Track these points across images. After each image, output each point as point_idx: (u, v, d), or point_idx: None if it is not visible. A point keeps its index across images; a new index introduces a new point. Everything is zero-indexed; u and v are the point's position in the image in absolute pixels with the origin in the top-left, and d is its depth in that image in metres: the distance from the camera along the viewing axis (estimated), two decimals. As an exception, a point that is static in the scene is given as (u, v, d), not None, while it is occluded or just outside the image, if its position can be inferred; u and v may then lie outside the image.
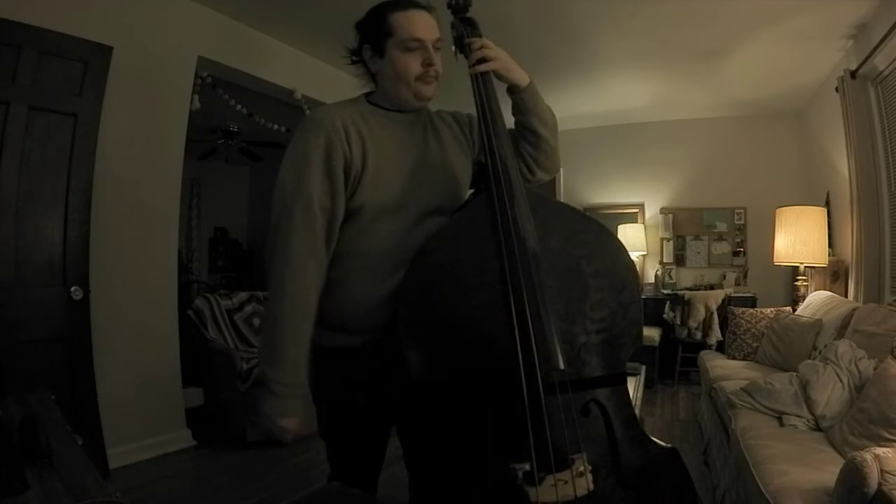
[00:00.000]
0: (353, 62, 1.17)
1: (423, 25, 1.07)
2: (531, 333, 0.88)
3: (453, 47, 1.21)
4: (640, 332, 1.04)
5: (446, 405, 0.97)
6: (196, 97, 3.10)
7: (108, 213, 2.57)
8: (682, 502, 0.99)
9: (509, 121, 1.21)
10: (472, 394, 0.92)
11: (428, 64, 1.08)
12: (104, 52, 2.40)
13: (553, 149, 1.25)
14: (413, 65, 1.08)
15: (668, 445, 1.02)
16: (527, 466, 0.83)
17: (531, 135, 1.21)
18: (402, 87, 1.10)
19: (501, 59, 1.14)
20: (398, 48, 1.07)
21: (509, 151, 1.08)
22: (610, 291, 1.00)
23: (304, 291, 1.02)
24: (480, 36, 1.19)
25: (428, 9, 1.11)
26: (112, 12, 2.58)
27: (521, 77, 1.17)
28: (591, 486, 0.87)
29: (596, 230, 1.07)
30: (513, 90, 1.19)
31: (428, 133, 1.18)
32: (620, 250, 1.07)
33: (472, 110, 1.19)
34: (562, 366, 0.89)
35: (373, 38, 1.10)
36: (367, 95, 1.17)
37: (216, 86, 3.35)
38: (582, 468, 0.87)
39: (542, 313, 0.89)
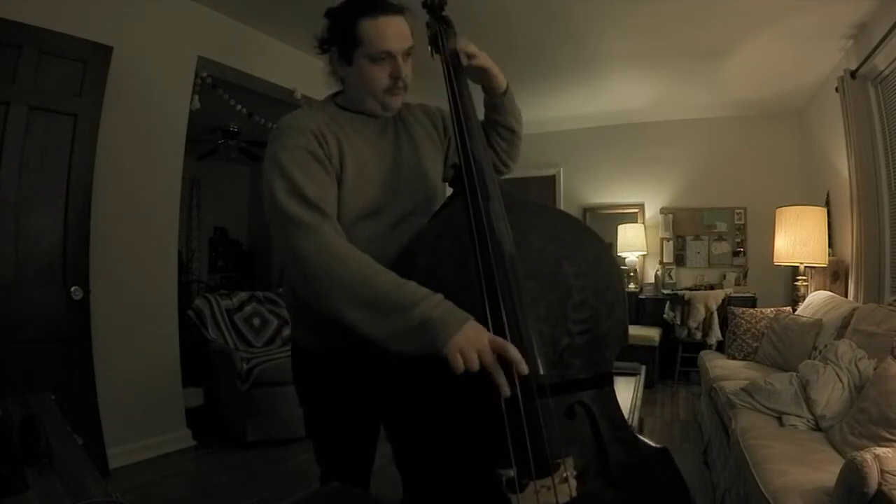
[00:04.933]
0: (324, 51, 1.11)
1: (394, 36, 1.02)
2: (507, 339, 0.86)
3: (429, 47, 1.19)
4: (626, 331, 1.02)
5: (429, 410, 0.96)
6: (196, 97, 3.10)
7: (108, 213, 2.57)
8: (675, 502, 0.98)
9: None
10: (454, 400, 0.91)
11: (396, 77, 1.05)
12: (104, 52, 2.40)
13: (521, 141, 1.30)
14: (381, 77, 1.04)
15: (659, 445, 1.01)
16: (511, 472, 0.83)
17: (508, 132, 1.25)
18: (368, 98, 1.08)
19: (491, 62, 1.15)
20: (366, 59, 1.03)
21: (483, 153, 1.06)
22: (593, 291, 0.98)
23: (343, 268, 0.91)
24: (455, 34, 1.19)
25: (401, 11, 1.05)
26: (112, 12, 2.58)
27: (503, 80, 1.19)
28: (574, 493, 0.85)
29: (578, 230, 1.05)
30: (495, 93, 1.20)
31: (400, 133, 1.17)
32: (603, 249, 1.05)
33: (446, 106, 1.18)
34: (541, 370, 0.87)
35: (340, 43, 1.05)
36: (334, 97, 1.15)
37: (216, 86, 3.35)
38: (566, 473, 0.86)
39: (518, 318, 0.88)
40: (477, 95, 1.17)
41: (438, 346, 0.83)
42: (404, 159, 1.14)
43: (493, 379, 0.83)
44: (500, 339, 0.85)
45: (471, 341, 0.84)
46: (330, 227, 0.97)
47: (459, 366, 0.82)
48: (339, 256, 0.92)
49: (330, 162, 1.03)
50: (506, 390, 0.83)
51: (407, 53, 1.06)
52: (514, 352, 0.84)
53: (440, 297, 0.88)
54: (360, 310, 0.88)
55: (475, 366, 0.83)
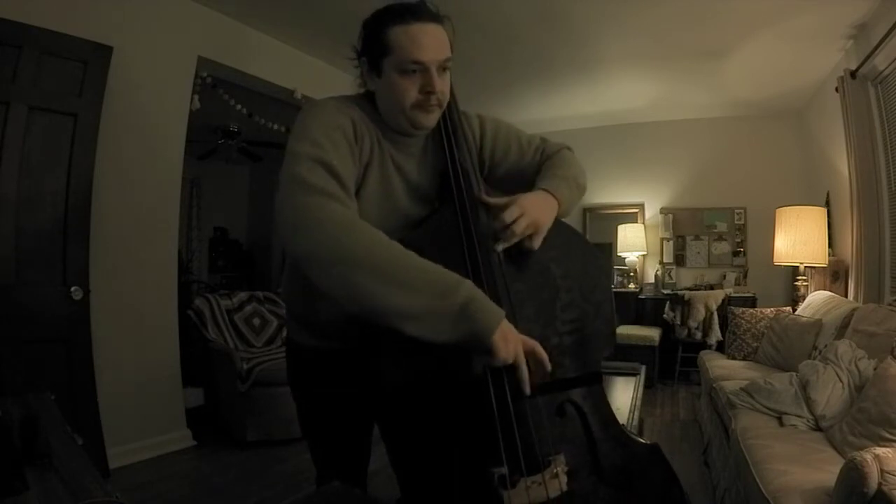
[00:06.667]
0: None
1: (427, 45, 0.92)
2: None
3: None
4: (614, 330, 1.05)
5: (422, 412, 0.97)
6: (196, 97, 3.10)
7: (108, 213, 2.57)
8: (668, 497, 0.99)
9: (514, 114, 1.19)
10: (446, 401, 0.92)
11: (428, 91, 0.93)
12: (104, 52, 2.40)
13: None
14: (410, 91, 0.93)
15: (649, 442, 1.03)
16: (502, 470, 0.84)
17: None
18: (397, 114, 0.97)
19: (535, 221, 0.97)
20: (395, 70, 0.93)
21: (469, 159, 1.03)
22: (580, 292, 1.00)
23: (373, 238, 0.83)
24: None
25: (437, 19, 0.95)
26: (112, 12, 2.58)
27: (552, 216, 1.02)
28: (564, 488, 0.87)
29: (565, 232, 1.06)
30: None
31: (428, 155, 1.08)
32: (590, 251, 1.08)
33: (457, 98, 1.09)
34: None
35: (369, 53, 0.96)
36: (371, 98, 1.03)
37: (216, 86, 3.35)
38: (557, 469, 0.87)
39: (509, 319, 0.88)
40: (471, 91, 1.13)
41: (486, 331, 0.80)
42: (423, 189, 1.07)
43: (518, 373, 0.84)
44: (526, 337, 0.86)
45: (511, 331, 0.84)
46: (353, 205, 0.89)
47: (504, 355, 0.81)
48: (363, 228, 0.84)
49: (360, 159, 0.96)
50: (527, 387, 0.84)
51: (443, 67, 0.95)
52: (541, 349, 0.86)
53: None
54: (387, 284, 0.79)
55: (514, 357, 0.82)
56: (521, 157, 1.16)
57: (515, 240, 0.95)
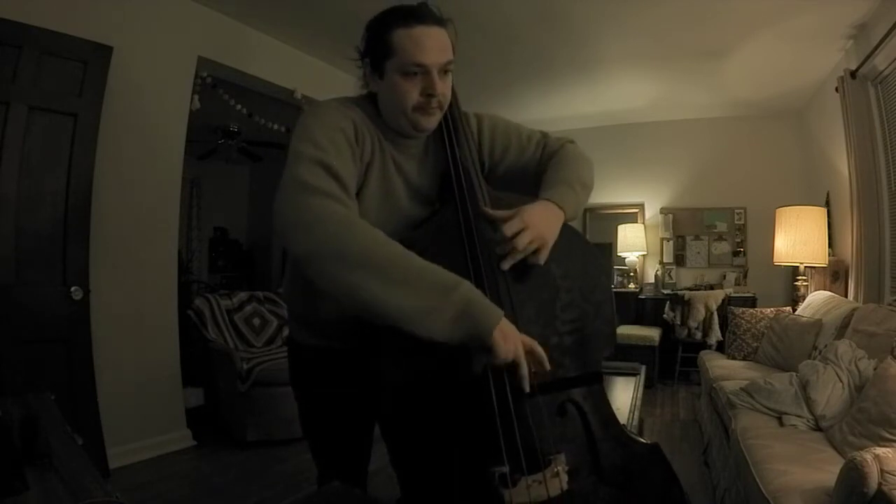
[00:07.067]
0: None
1: (430, 48, 0.93)
2: None
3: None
4: (614, 331, 1.05)
5: (422, 411, 0.97)
6: (196, 97, 3.10)
7: (108, 213, 2.57)
8: (668, 497, 0.99)
9: (532, 116, 1.19)
10: (447, 400, 0.93)
11: (429, 94, 0.94)
12: (104, 52, 2.40)
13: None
14: (411, 93, 0.94)
15: (649, 442, 1.03)
16: (503, 468, 0.84)
17: None
18: (398, 116, 0.98)
19: (540, 236, 0.94)
20: (397, 72, 0.94)
21: (471, 159, 1.04)
22: (580, 292, 1.01)
23: (372, 237, 0.84)
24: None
25: (440, 22, 0.96)
26: (112, 12, 2.58)
27: (558, 227, 1.00)
28: (565, 486, 0.87)
29: (565, 232, 1.06)
30: None
31: (429, 156, 1.08)
32: (590, 251, 1.08)
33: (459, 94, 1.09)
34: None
35: (372, 55, 0.97)
36: (374, 100, 1.04)
37: (216, 86, 3.35)
38: (557, 468, 0.88)
39: (510, 319, 0.88)
40: (471, 91, 1.13)
41: (486, 330, 0.80)
42: (425, 192, 1.07)
43: (519, 371, 0.84)
44: (524, 336, 0.86)
45: (511, 330, 0.84)
46: (354, 206, 0.90)
47: (505, 353, 0.82)
48: (363, 228, 0.84)
49: (361, 160, 0.97)
50: (527, 385, 0.85)
51: (445, 70, 0.96)
52: (539, 348, 0.86)
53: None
54: (386, 284, 0.79)
55: (515, 355, 0.83)
56: (522, 154, 1.15)
57: (520, 256, 0.93)
